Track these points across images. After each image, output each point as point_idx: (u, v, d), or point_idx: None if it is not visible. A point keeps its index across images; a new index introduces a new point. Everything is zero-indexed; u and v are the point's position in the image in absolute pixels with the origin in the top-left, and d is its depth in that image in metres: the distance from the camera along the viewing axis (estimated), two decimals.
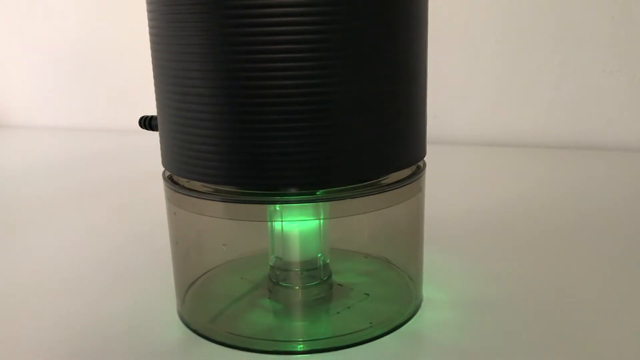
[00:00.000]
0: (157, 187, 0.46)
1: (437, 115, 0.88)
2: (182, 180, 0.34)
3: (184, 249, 0.39)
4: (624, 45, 0.80)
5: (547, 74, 0.84)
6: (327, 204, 0.33)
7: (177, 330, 0.36)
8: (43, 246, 0.53)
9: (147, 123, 0.39)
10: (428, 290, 0.39)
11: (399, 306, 0.38)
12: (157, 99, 0.34)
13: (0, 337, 0.36)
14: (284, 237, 0.37)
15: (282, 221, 0.36)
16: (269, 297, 0.38)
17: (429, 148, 0.36)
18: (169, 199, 0.36)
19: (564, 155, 0.80)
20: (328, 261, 0.38)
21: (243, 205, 0.32)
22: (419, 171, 0.36)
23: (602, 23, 0.80)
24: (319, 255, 0.37)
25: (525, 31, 0.84)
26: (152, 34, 0.33)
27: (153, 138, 0.57)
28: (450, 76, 0.89)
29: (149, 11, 0.33)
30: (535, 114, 0.86)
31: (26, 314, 0.39)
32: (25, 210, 0.64)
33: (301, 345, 0.34)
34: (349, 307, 0.37)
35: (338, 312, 0.37)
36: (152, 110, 0.46)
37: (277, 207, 0.34)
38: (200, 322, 0.36)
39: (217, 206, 0.33)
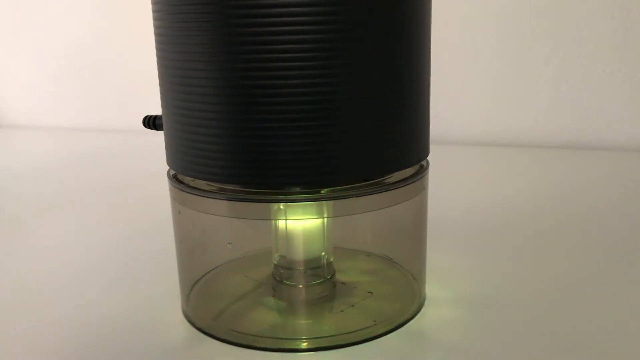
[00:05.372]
0: (160, 186, 0.46)
1: (438, 115, 0.88)
2: (187, 179, 0.34)
3: (189, 248, 0.39)
4: (624, 45, 0.80)
5: (547, 74, 0.85)
6: (331, 202, 0.33)
7: (181, 328, 0.36)
8: (45, 245, 0.53)
9: (151, 122, 0.39)
10: (431, 289, 0.39)
11: (402, 304, 0.38)
12: (162, 98, 0.34)
13: (4, 336, 0.37)
14: (287, 236, 0.37)
15: (286, 220, 0.36)
16: (273, 295, 0.39)
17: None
18: (174, 198, 0.36)
19: (564, 155, 0.81)
20: (332, 260, 0.38)
21: (247, 204, 0.33)
22: (422, 170, 0.36)
23: (602, 23, 0.81)
24: (323, 253, 0.38)
25: (525, 31, 0.84)
26: (157, 34, 0.33)
27: (156, 138, 0.58)
28: (450, 76, 0.89)
29: (154, 11, 0.33)
30: (535, 114, 0.87)
31: (29, 313, 0.39)
32: (26, 210, 0.65)
33: (305, 343, 0.34)
34: (352, 305, 0.37)
35: (342, 310, 0.37)
36: (154, 109, 0.47)
37: (281, 205, 0.34)
38: (205, 320, 0.36)
39: (222, 205, 0.33)
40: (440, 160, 0.55)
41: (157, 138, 0.49)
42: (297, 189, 0.32)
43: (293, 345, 0.34)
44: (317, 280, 0.38)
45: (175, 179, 0.35)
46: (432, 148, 0.38)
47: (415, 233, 0.39)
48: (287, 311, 0.38)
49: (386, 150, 0.32)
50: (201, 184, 0.33)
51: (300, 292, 0.38)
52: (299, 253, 0.37)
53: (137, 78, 1.07)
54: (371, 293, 0.39)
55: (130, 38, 1.07)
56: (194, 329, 0.36)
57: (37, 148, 1.04)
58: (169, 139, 0.34)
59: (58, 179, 0.79)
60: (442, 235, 0.50)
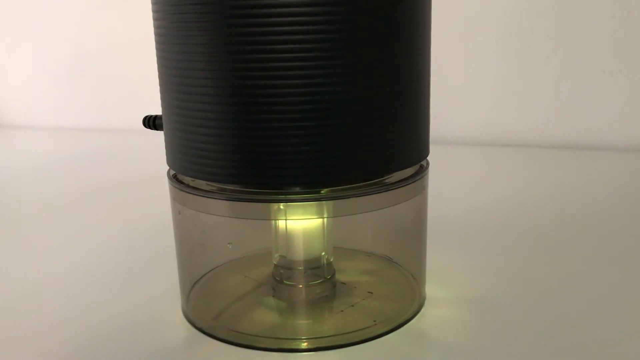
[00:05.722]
0: (160, 186, 0.46)
1: (438, 115, 0.88)
2: (187, 179, 0.34)
3: (189, 248, 0.39)
4: (624, 45, 0.80)
5: (547, 74, 0.85)
6: (331, 202, 0.33)
7: (181, 328, 0.36)
8: (45, 246, 0.53)
9: (151, 122, 0.39)
10: (431, 289, 0.39)
11: (402, 304, 0.38)
12: (162, 98, 0.34)
13: (4, 336, 0.37)
14: (287, 236, 0.37)
15: (286, 220, 0.36)
16: (273, 296, 0.39)
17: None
18: (174, 198, 0.36)
19: (564, 155, 0.81)
20: (332, 260, 0.38)
21: (247, 204, 0.33)
22: (422, 170, 0.36)
23: (602, 23, 0.81)
24: (323, 253, 0.38)
25: (525, 31, 0.84)
26: (157, 34, 0.33)
27: (156, 138, 0.58)
28: (450, 76, 0.89)
29: (154, 11, 0.33)
30: (535, 114, 0.87)
31: (29, 313, 0.39)
32: (26, 210, 0.65)
33: (305, 343, 0.34)
34: (352, 305, 0.37)
35: (342, 310, 0.37)
36: (154, 109, 0.47)
37: (281, 205, 0.34)
38: (205, 320, 0.36)
39: (222, 205, 0.33)
40: (440, 160, 0.55)
41: (157, 138, 0.49)
42: (297, 189, 0.32)
43: (293, 345, 0.34)
44: (317, 280, 0.38)
45: (175, 179, 0.35)
46: (432, 148, 0.38)
47: (415, 233, 0.39)
48: (287, 311, 0.38)
49: (386, 150, 0.32)
50: (201, 184, 0.33)
51: (300, 292, 0.38)
52: (299, 253, 0.37)
53: (137, 78, 1.07)
54: (371, 293, 0.39)
55: (130, 38, 1.07)
56: (194, 329, 0.36)
57: (37, 148, 1.04)
58: (169, 139, 0.34)
59: (58, 179, 0.79)
60: (442, 235, 0.50)
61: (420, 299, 0.38)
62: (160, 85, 0.34)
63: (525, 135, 0.87)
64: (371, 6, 0.30)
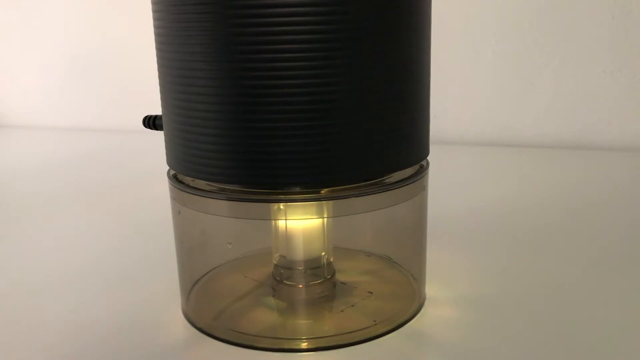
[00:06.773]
0: (160, 186, 0.46)
1: (438, 115, 0.88)
2: (187, 179, 0.34)
3: (189, 248, 0.39)
4: (624, 45, 0.80)
5: (546, 74, 0.85)
6: (331, 202, 0.33)
7: (181, 328, 0.36)
8: (45, 246, 0.53)
9: (151, 122, 0.39)
10: (431, 289, 0.39)
11: (402, 304, 0.38)
12: (162, 98, 0.34)
13: (4, 336, 0.37)
14: (287, 236, 0.37)
15: (286, 220, 0.36)
16: (273, 296, 0.39)
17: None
18: (174, 198, 0.36)
19: (564, 155, 0.81)
20: (332, 260, 0.38)
21: (247, 204, 0.33)
22: (422, 170, 0.36)
23: (602, 23, 0.81)
24: (323, 253, 0.38)
25: (525, 31, 0.84)
26: (157, 34, 0.33)
27: (156, 137, 0.58)
28: (450, 76, 0.89)
29: (154, 11, 0.33)
30: (535, 114, 0.87)
31: (29, 313, 0.39)
32: (26, 210, 0.65)
33: (305, 343, 0.34)
34: (352, 305, 0.37)
35: (342, 310, 0.37)
36: (154, 109, 0.46)
37: (281, 205, 0.34)
38: (205, 320, 0.36)
39: (222, 205, 0.33)
40: (440, 160, 0.55)
41: (157, 138, 0.49)
42: (297, 189, 0.32)
43: (293, 345, 0.34)
44: (317, 280, 0.38)
45: (175, 179, 0.35)
46: (432, 148, 0.38)
47: (415, 233, 0.39)
48: (287, 311, 0.38)
49: (386, 150, 0.32)
50: (201, 184, 0.33)
51: (300, 292, 0.38)
52: (299, 253, 0.37)
53: (137, 78, 1.08)
54: (371, 293, 0.39)
55: (131, 38, 1.07)
56: (194, 329, 0.36)
57: (37, 148, 1.04)
58: (169, 139, 0.34)
59: (58, 179, 0.79)
60: (442, 235, 0.50)
61: (420, 298, 0.38)
62: (160, 85, 0.34)
63: (525, 135, 0.87)
64: (371, 6, 0.30)
